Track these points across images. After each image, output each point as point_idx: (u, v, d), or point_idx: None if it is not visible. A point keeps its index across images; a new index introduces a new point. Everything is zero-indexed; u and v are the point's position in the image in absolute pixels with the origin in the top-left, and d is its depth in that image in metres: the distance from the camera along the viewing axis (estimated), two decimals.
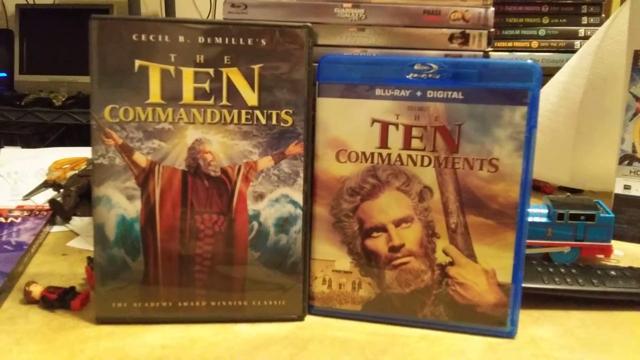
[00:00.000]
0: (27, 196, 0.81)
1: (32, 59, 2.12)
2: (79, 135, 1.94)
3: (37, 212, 0.72)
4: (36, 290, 0.51)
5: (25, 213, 0.71)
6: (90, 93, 0.46)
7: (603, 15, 0.96)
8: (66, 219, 0.72)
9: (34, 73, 2.10)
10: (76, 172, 0.84)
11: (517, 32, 0.97)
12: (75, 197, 0.74)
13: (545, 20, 0.97)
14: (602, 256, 0.62)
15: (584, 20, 0.97)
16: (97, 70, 0.46)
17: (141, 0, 1.89)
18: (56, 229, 0.70)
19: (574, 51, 0.89)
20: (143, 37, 0.46)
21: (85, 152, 0.97)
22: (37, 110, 1.88)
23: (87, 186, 0.76)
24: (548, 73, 0.83)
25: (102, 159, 0.47)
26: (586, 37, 0.93)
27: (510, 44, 0.97)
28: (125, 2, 1.84)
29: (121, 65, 0.46)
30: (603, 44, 0.79)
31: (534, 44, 0.96)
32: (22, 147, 1.43)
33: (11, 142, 1.85)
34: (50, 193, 0.82)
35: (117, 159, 0.47)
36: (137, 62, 0.46)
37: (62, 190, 0.78)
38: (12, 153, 1.04)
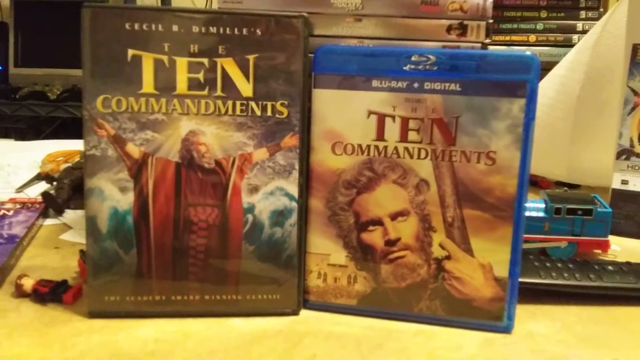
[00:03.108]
0: (20, 189, 0.80)
1: (27, 52, 2.10)
2: (74, 129, 1.92)
3: (30, 205, 0.71)
4: (28, 284, 0.50)
5: (18, 206, 0.71)
6: (82, 83, 0.46)
7: (601, 10, 0.96)
8: (59, 212, 0.71)
9: (29, 66, 2.08)
10: (70, 164, 0.83)
11: (515, 26, 0.97)
12: (68, 189, 0.74)
13: (544, 14, 0.96)
14: (599, 251, 0.62)
15: (582, 14, 0.96)
16: (90, 60, 0.45)
17: None
18: (49, 221, 0.70)
19: (571, 45, 0.89)
20: (136, 26, 0.45)
21: (79, 144, 0.96)
22: (31, 104, 1.87)
23: (80, 179, 0.76)
24: (546, 67, 0.83)
25: (95, 150, 0.46)
26: (584, 32, 0.93)
27: (508, 38, 0.96)
28: None
29: (114, 55, 0.45)
30: (601, 38, 0.79)
31: (532, 37, 0.96)
32: (17, 140, 1.42)
33: (6, 136, 1.84)
34: (43, 186, 0.81)
35: (110, 150, 0.46)
36: (130, 52, 0.45)
37: (55, 182, 0.77)
38: (6, 145, 1.04)
